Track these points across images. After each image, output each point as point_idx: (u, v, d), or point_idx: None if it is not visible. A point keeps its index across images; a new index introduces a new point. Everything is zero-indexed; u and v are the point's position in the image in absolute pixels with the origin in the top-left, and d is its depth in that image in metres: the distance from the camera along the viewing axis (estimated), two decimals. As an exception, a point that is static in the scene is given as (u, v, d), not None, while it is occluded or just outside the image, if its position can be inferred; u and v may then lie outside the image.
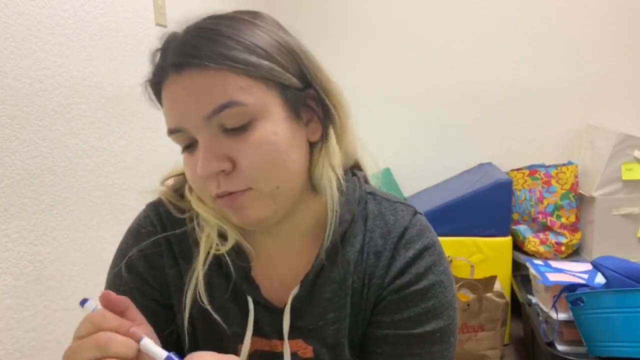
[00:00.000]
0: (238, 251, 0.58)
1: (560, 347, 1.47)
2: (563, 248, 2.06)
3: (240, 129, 0.49)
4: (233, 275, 0.57)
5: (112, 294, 0.48)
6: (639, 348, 1.29)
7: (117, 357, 0.42)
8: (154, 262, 0.60)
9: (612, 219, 1.96)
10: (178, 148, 0.54)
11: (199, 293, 0.56)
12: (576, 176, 2.07)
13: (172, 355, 0.44)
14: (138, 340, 0.44)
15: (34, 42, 1.04)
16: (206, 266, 0.57)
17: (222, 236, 0.57)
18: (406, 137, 2.49)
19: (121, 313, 0.47)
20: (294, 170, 0.53)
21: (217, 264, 0.59)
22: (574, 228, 2.06)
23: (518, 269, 2.06)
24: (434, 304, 0.56)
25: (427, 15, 2.39)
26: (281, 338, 0.58)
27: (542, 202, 2.09)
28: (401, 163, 2.48)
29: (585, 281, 1.49)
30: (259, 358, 0.59)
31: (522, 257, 2.09)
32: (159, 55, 0.53)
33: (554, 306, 1.48)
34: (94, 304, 0.47)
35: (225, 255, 0.57)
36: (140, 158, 1.41)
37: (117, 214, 1.29)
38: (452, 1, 2.35)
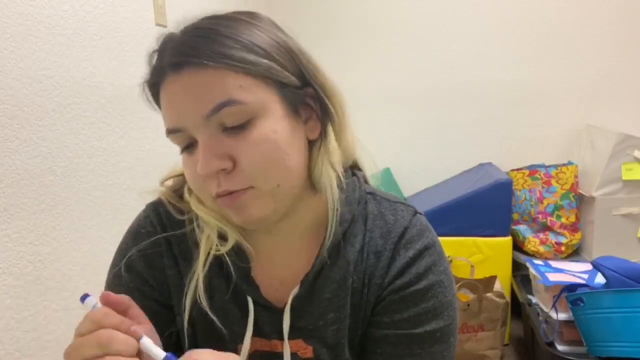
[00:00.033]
0: (238, 251, 0.58)
1: (560, 347, 1.47)
2: (563, 248, 2.06)
3: (240, 128, 0.50)
4: (233, 276, 0.57)
5: (112, 295, 0.48)
6: (639, 348, 1.29)
7: (118, 355, 0.43)
8: (154, 263, 0.60)
9: (612, 219, 1.96)
10: (178, 148, 0.54)
11: (199, 295, 0.56)
12: (576, 176, 2.07)
13: (170, 355, 0.44)
14: (138, 339, 0.45)
15: (34, 42, 1.04)
16: (206, 267, 0.57)
17: (222, 237, 0.57)
18: (406, 137, 2.49)
19: (123, 312, 0.48)
20: (294, 168, 0.53)
21: (217, 265, 0.59)
22: (574, 228, 2.06)
23: (518, 269, 2.06)
24: (434, 303, 0.56)
25: (427, 15, 2.39)
26: (281, 338, 0.58)
27: (542, 202, 2.09)
28: (401, 163, 2.48)
29: (585, 281, 1.49)
30: (259, 358, 0.59)
31: (522, 257, 2.09)
32: (156, 57, 0.53)
33: (554, 306, 1.48)
34: (95, 300, 0.48)
35: (225, 255, 0.57)
36: (140, 158, 1.41)
37: (117, 214, 1.29)
38: (452, 1, 2.35)
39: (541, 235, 2.10)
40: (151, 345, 0.45)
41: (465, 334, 1.74)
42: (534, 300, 1.72)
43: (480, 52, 2.35)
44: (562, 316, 1.47)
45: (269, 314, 0.59)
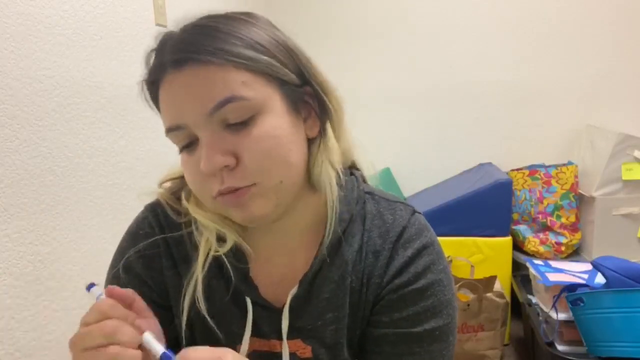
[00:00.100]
0: (236, 252, 0.58)
1: (560, 347, 1.47)
2: (563, 248, 2.06)
3: (243, 124, 0.50)
4: (232, 277, 0.57)
5: (117, 289, 0.49)
6: (639, 348, 1.29)
7: (123, 346, 0.44)
8: (152, 264, 0.60)
9: (612, 219, 1.96)
10: (177, 148, 0.54)
11: (197, 297, 0.56)
12: (576, 176, 2.07)
13: (167, 352, 0.45)
14: (141, 333, 0.45)
15: (34, 42, 1.04)
16: (205, 269, 0.57)
17: (221, 239, 0.57)
18: (406, 137, 2.49)
19: (128, 306, 0.49)
20: (296, 164, 0.53)
21: (216, 266, 0.59)
22: (574, 228, 2.06)
23: (518, 269, 2.06)
24: (433, 302, 0.56)
25: (427, 15, 2.39)
26: (280, 338, 0.58)
27: (542, 202, 2.09)
28: (401, 163, 2.48)
29: (585, 281, 1.49)
30: (258, 358, 0.59)
31: (522, 257, 2.09)
32: (154, 55, 0.53)
33: (554, 306, 1.48)
34: (100, 289, 0.48)
35: (224, 256, 0.57)
36: (140, 158, 1.41)
37: (117, 214, 1.29)
38: (452, 1, 2.35)
39: (541, 235, 2.10)
40: (152, 340, 0.46)
41: (465, 334, 1.74)
42: (534, 300, 1.72)
43: (480, 52, 2.35)
44: (562, 316, 1.47)
45: (267, 314, 0.59)
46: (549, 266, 1.72)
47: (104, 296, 0.48)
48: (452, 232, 1.94)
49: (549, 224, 2.07)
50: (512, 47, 2.32)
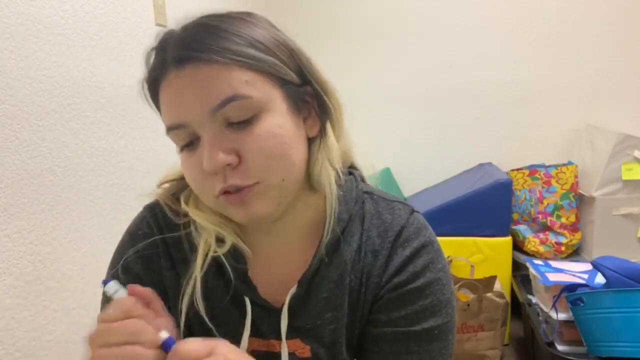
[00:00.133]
0: (235, 253, 0.58)
1: (560, 347, 1.47)
2: (563, 248, 2.06)
3: (245, 123, 0.50)
4: (231, 277, 0.57)
5: (138, 287, 0.49)
6: (639, 348, 1.29)
7: (144, 346, 0.44)
8: (151, 264, 0.60)
9: (612, 219, 1.96)
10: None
11: (196, 298, 0.56)
12: (576, 176, 2.07)
13: (170, 339, 0.46)
14: (158, 332, 0.46)
15: (34, 42, 1.04)
16: (204, 270, 0.57)
17: (219, 239, 0.57)
18: (406, 137, 2.49)
19: (146, 305, 0.49)
20: (298, 163, 0.53)
21: (215, 266, 0.59)
22: (574, 228, 2.06)
23: (518, 269, 2.06)
24: (432, 301, 0.56)
25: (427, 15, 2.39)
26: (279, 338, 0.58)
27: (542, 202, 2.09)
28: (401, 163, 2.48)
29: (585, 281, 1.49)
30: (256, 358, 0.59)
31: (522, 257, 2.09)
32: (154, 54, 0.53)
33: (554, 306, 1.48)
34: (117, 286, 0.49)
35: (222, 257, 0.57)
36: (140, 158, 1.41)
37: (117, 214, 1.29)
38: (452, 1, 2.35)
39: (541, 235, 2.10)
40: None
41: (465, 334, 1.74)
42: (534, 300, 1.72)
43: (480, 52, 2.35)
44: (562, 316, 1.47)
45: (266, 314, 0.59)
46: (549, 266, 1.72)
47: (120, 293, 0.49)
48: (452, 232, 1.94)
49: (549, 224, 2.07)
50: (512, 47, 2.32)
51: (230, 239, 0.57)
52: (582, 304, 1.37)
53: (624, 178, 1.93)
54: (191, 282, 0.57)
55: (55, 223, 1.09)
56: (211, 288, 0.59)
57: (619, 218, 1.96)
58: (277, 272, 0.60)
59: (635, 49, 2.20)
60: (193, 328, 0.60)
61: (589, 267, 1.58)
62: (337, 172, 0.58)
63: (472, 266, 1.89)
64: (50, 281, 1.08)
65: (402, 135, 2.49)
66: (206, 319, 0.57)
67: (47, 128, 1.07)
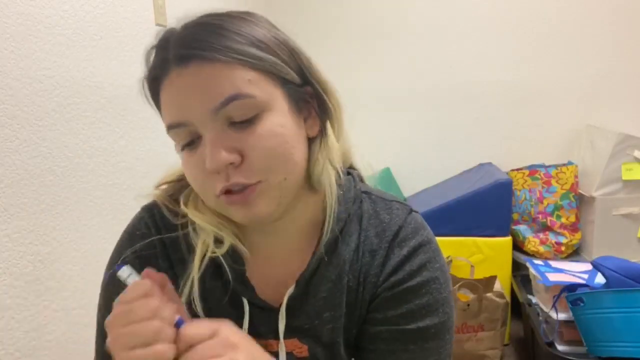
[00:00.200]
0: (233, 254, 0.58)
1: (560, 347, 1.47)
2: (563, 248, 2.06)
3: (248, 122, 0.50)
4: (230, 277, 0.57)
5: (153, 272, 0.50)
6: (639, 348, 1.29)
7: (164, 322, 0.45)
8: (149, 264, 0.60)
9: (612, 219, 1.96)
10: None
11: (193, 298, 0.56)
12: (576, 176, 2.07)
13: (180, 318, 0.47)
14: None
15: (34, 42, 1.04)
16: (201, 270, 0.57)
17: (218, 240, 0.57)
18: (406, 137, 2.49)
19: (161, 289, 0.49)
20: (299, 162, 0.53)
21: (213, 267, 0.59)
22: (574, 228, 2.06)
23: (518, 269, 2.06)
24: (428, 300, 0.56)
25: (427, 16, 2.39)
26: (277, 338, 0.58)
27: (542, 202, 2.09)
28: (401, 163, 2.48)
29: (585, 281, 1.49)
30: None
31: (522, 257, 2.09)
32: (155, 52, 0.53)
33: (554, 306, 1.48)
34: (130, 270, 0.50)
35: (221, 258, 0.57)
36: (140, 158, 1.41)
37: (117, 214, 1.29)
38: (452, 1, 2.35)
39: (541, 235, 2.10)
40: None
41: (465, 334, 1.74)
42: (534, 300, 1.72)
43: (480, 52, 2.35)
44: (562, 316, 1.47)
45: (264, 314, 0.59)
46: (549, 266, 1.72)
47: (132, 277, 0.49)
48: (452, 232, 1.94)
49: (549, 224, 2.07)
50: (512, 47, 2.32)
51: (228, 240, 0.56)
52: (582, 304, 1.37)
53: (624, 178, 1.93)
54: (188, 283, 0.57)
55: (55, 223, 1.09)
56: (209, 289, 0.59)
57: (619, 218, 1.96)
58: (275, 272, 0.60)
59: (635, 49, 2.20)
60: None
61: (589, 267, 1.58)
62: (338, 172, 0.58)
63: (472, 266, 1.89)
64: (50, 281, 1.08)
65: (402, 135, 2.49)
66: (204, 318, 0.57)
67: (47, 128, 1.07)
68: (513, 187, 2.07)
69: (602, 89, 2.25)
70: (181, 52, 0.49)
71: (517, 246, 2.15)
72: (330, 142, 0.57)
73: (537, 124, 2.34)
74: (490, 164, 2.34)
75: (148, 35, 1.42)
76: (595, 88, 2.26)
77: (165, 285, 0.51)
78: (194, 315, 0.58)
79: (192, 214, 0.57)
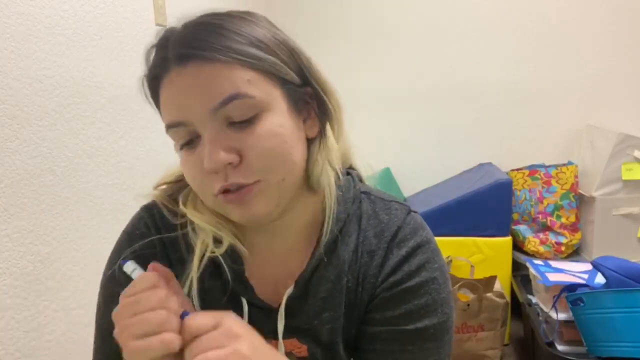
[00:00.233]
0: (231, 254, 0.58)
1: (560, 347, 1.47)
2: (563, 248, 2.06)
3: (247, 122, 0.50)
4: (228, 277, 0.57)
5: (159, 265, 0.51)
6: (639, 348, 1.29)
7: (170, 311, 0.46)
8: (148, 264, 0.60)
9: (612, 219, 1.96)
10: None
11: (192, 298, 0.56)
12: (576, 176, 2.07)
13: (186, 311, 0.48)
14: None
15: (34, 42, 1.04)
16: (200, 270, 0.57)
17: (217, 240, 0.57)
18: (406, 137, 2.49)
19: (166, 283, 0.50)
20: (298, 163, 0.53)
21: (212, 267, 0.59)
22: (574, 228, 2.06)
23: (518, 269, 2.06)
24: (427, 301, 0.56)
25: (427, 16, 2.39)
26: (276, 337, 0.58)
27: (542, 202, 2.09)
28: (401, 163, 2.48)
29: (585, 281, 1.49)
30: None
31: (522, 257, 2.09)
32: (155, 51, 0.53)
33: (554, 306, 1.48)
34: (135, 265, 0.51)
35: (220, 257, 0.57)
36: (140, 158, 1.41)
37: (117, 214, 1.29)
38: (452, 1, 2.35)
39: (541, 235, 2.10)
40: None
41: (465, 334, 1.74)
42: (534, 300, 1.72)
43: (480, 52, 2.35)
44: (562, 316, 1.47)
45: (263, 314, 0.59)
46: (549, 266, 1.72)
47: (137, 271, 0.50)
48: (452, 232, 1.94)
49: (549, 224, 2.07)
50: (512, 47, 2.32)
51: (227, 240, 0.56)
52: (582, 304, 1.37)
53: (624, 178, 1.93)
54: (187, 283, 0.57)
55: (55, 223, 1.09)
56: (208, 288, 0.59)
57: (619, 218, 1.96)
58: (274, 272, 0.60)
59: (635, 49, 2.20)
60: None
61: (589, 267, 1.59)
62: (337, 173, 0.58)
63: (472, 266, 1.89)
64: (50, 281, 1.08)
65: (402, 135, 2.49)
66: None
67: (47, 128, 1.07)
68: (513, 187, 2.07)
69: (602, 89, 2.25)
70: (181, 51, 0.49)
71: (517, 246, 2.15)
72: (329, 143, 0.57)
73: (537, 124, 2.34)
74: (490, 164, 2.34)
75: (148, 35, 1.41)
76: (595, 88, 2.26)
77: (170, 280, 0.52)
78: None
79: (191, 214, 0.57)
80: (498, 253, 1.94)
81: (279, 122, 0.51)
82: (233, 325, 0.47)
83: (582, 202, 2.09)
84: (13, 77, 0.98)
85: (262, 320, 0.58)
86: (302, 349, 0.59)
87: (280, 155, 0.51)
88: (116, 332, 0.47)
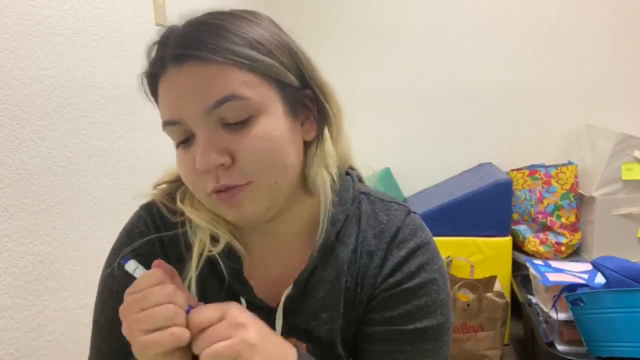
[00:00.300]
0: (230, 253, 0.58)
1: (560, 347, 1.47)
2: (563, 248, 2.06)
3: (241, 124, 0.50)
4: (226, 277, 0.57)
5: (163, 262, 0.51)
6: (639, 348, 1.29)
7: (177, 305, 0.47)
8: (147, 262, 0.60)
9: (612, 219, 1.96)
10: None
11: None
12: (576, 176, 2.07)
13: (191, 307, 0.49)
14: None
15: (34, 42, 1.04)
16: (199, 269, 0.57)
17: (215, 239, 0.57)
18: (406, 137, 2.49)
19: (171, 280, 0.50)
20: (291, 166, 0.53)
21: (211, 266, 0.59)
22: (574, 228, 2.06)
23: (518, 269, 2.06)
24: (426, 301, 0.56)
25: (427, 16, 2.39)
26: None
27: (542, 202, 2.09)
28: (401, 163, 2.48)
29: (585, 281, 1.49)
30: None
31: (522, 257, 2.09)
32: (156, 48, 0.53)
33: (554, 306, 1.48)
34: (136, 264, 0.51)
35: (218, 256, 0.57)
36: (140, 158, 1.41)
37: (117, 214, 1.29)
38: (452, 1, 2.35)
39: (541, 235, 2.10)
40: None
41: (465, 334, 1.74)
42: (534, 300, 1.72)
43: (480, 52, 2.35)
44: (562, 316, 1.47)
45: (262, 313, 0.58)
46: (549, 266, 1.72)
47: (140, 270, 0.51)
48: (452, 232, 1.94)
49: (549, 224, 2.07)
50: (512, 47, 2.32)
51: (224, 238, 0.57)
52: (582, 304, 1.37)
53: (624, 178, 1.93)
54: (186, 282, 0.57)
55: (55, 223, 1.09)
56: (207, 287, 0.59)
57: (619, 218, 1.96)
58: (273, 271, 0.60)
59: (635, 49, 2.20)
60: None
61: (589, 267, 1.58)
62: (332, 177, 0.58)
63: (472, 266, 1.89)
64: (50, 281, 1.08)
65: (402, 135, 2.49)
66: None
67: (47, 128, 1.07)
68: (513, 187, 2.07)
69: (602, 89, 2.25)
70: (178, 51, 0.49)
71: (517, 246, 2.15)
72: (326, 147, 0.57)
73: (537, 124, 2.34)
74: (490, 164, 2.34)
75: (148, 35, 1.42)
76: (595, 88, 2.26)
77: (174, 277, 0.52)
78: None
79: (188, 211, 0.57)
80: (498, 253, 1.94)
81: (274, 125, 0.51)
82: (238, 315, 0.48)
83: (582, 202, 2.09)
84: (13, 77, 0.98)
85: (261, 319, 0.59)
86: (301, 349, 0.59)
87: (272, 159, 0.51)
88: (123, 328, 0.47)
